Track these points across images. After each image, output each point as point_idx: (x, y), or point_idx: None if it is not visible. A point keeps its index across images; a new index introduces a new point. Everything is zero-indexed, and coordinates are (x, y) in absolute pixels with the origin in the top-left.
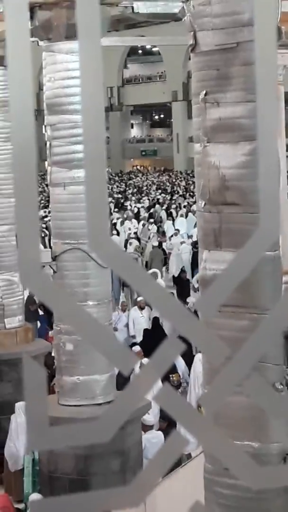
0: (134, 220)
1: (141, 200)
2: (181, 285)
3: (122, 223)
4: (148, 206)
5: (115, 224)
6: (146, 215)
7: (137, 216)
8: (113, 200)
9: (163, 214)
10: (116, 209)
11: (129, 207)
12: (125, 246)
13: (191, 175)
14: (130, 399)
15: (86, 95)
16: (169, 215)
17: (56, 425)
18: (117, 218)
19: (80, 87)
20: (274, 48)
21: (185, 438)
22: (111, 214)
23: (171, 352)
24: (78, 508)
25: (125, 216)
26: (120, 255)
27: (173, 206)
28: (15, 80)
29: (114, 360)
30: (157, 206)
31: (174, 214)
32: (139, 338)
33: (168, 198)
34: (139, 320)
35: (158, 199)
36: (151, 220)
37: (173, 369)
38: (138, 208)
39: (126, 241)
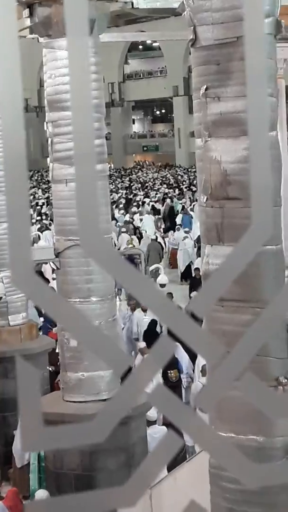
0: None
1: (150, 195)
2: (195, 284)
3: (141, 220)
4: (156, 201)
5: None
6: (162, 208)
7: (153, 211)
8: (123, 196)
9: (179, 207)
10: (134, 205)
11: (140, 202)
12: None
13: (190, 170)
14: (125, 398)
15: (75, 92)
16: (182, 209)
17: (61, 421)
18: (134, 214)
19: (70, 85)
20: (263, 42)
21: (179, 437)
22: (126, 210)
23: (165, 350)
24: (74, 509)
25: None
26: (111, 254)
27: (183, 200)
28: (4, 77)
29: (107, 360)
30: (168, 200)
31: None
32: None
33: (177, 192)
34: (142, 322)
35: (167, 193)
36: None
37: (172, 366)
38: (153, 204)
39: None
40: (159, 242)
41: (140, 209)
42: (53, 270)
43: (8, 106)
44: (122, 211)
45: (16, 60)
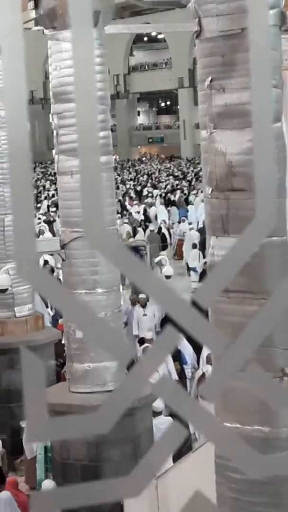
0: (136, 206)
1: (158, 187)
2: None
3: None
4: (166, 192)
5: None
6: (177, 199)
7: (168, 203)
8: (132, 188)
9: (193, 198)
10: (150, 196)
11: (152, 194)
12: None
13: (193, 162)
14: (130, 388)
15: (79, 84)
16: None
17: (67, 412)
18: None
19: (74, 77)
20: (267, 34)
21: (184, 428)
22: (140, 201)
23: (169, 341)
24: (80, 499)
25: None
26: (116, 245)
27: (194, 191)
28: (8, 69)
29: (112, 351)
30: (178, 191)
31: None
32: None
33: (186, 184)
34: (143, 319)
35: (177, 185)
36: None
37: (173, 358)
38: (166, 195)
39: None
40: (163, 233)
41: (153, 200)
42: (45, 262)
43: (12, 99)
44: (136, 202)
45: (20, 52)
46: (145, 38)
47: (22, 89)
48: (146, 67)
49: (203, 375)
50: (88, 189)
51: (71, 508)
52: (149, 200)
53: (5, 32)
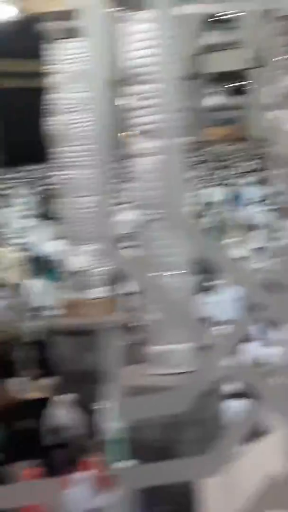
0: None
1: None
2: None
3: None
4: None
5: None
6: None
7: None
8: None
9: None
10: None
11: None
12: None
13: (264, 142)
14: (206, 370)
15: (160, 65)
16: None
17: (143, 394)
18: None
19: (155, 57)
20: None
21: (257, 410)
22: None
23: (244, 324)
24: (159, 476)
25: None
26: (192, 226)
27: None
28: (93, 53)
29: (189, 333)
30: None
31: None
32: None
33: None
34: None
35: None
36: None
37: None
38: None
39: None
40: None
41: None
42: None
43: (95, 81)
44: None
45: (104, 38)
46: (216, 18)
47: (103, 72)
48: (217, 47)
49: None
50: (168, 171)
51: (148, 486)
52: (237, 180)
53: (90, 17)
